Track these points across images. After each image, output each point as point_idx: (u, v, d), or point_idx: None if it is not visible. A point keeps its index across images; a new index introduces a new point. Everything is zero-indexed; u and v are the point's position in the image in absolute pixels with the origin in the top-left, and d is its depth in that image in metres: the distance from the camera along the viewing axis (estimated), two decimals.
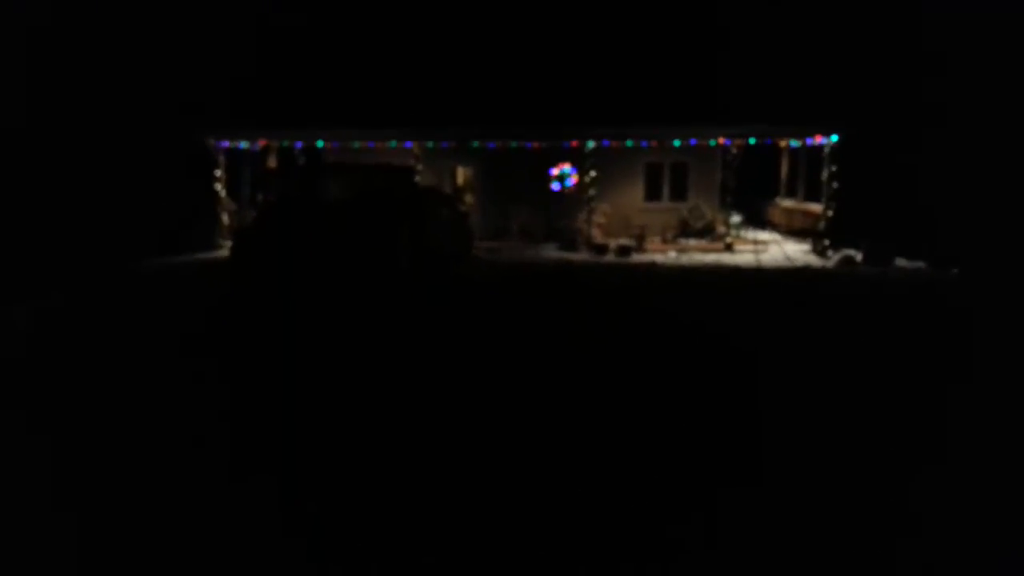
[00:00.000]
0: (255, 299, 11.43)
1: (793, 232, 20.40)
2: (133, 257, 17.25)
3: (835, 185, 17.40)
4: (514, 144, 18.47)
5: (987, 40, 18.13)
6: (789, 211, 21.01)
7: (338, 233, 12.22)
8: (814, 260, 16.29)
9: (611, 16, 20.47)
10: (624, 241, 17.85)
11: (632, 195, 20.38)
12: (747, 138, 17.76)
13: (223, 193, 19.16)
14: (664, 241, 19.14)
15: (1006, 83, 17.49)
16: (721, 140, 17.98)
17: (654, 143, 18.47)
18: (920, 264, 15.36)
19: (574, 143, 18.29)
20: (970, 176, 16.72)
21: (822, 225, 17.56)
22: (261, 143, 19.83)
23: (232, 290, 12.24)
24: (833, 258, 15.98)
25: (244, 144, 19.71)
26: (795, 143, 19.56)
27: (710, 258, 16.95)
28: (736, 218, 19.96)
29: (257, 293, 11.71)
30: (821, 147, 18.00)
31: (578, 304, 10.83)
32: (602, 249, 17.49)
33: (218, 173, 19.01)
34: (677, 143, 18.42)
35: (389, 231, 12.47)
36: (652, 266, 15.35)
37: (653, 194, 20.48)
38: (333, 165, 18.85)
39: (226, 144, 19.04)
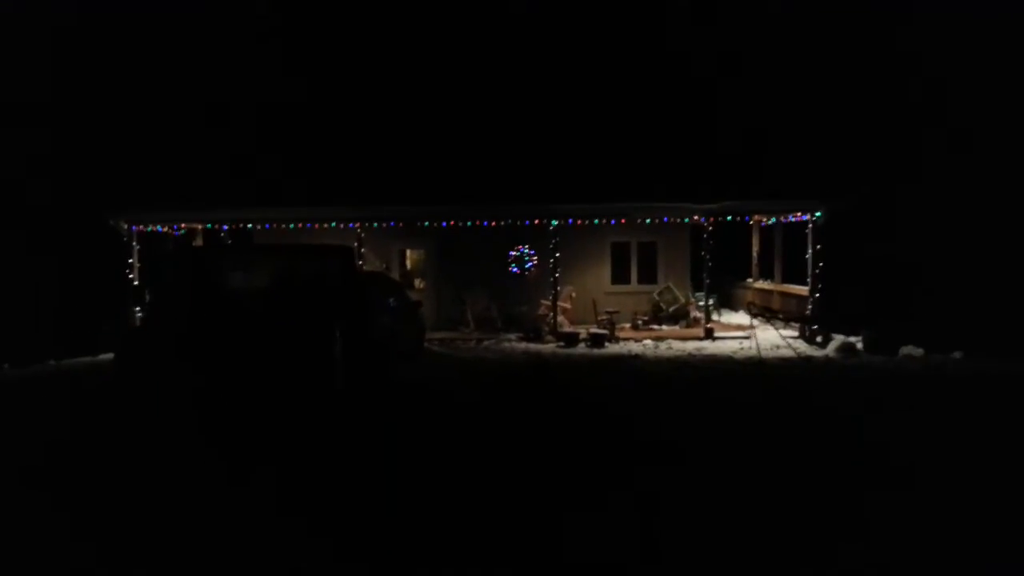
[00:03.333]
0: (140, 425, 8.69)
1: (768, 315, 18.89)
2: (23, 359, 14.65)
3: (821, 265, 16.02)
4: (469, 223, 16.61)
5: (982, 103, 17.35)
6: (765, 293, 19.55)
7: (252, 338, 9.23)
8: (805, 348, 14.67)
9: (574, 86, 19.15)
10: (596, 329, 15.95)
11: (598, 277, 18.70)
12: (726, 215, 16.28)
13: (137, 283, 16.66)
14: (635, 327, 17.38)
15: (1002, 150, 16.62)
16: (697, 217, 16.45)
17: (623, 220, 16.85)
18: (919, 351, 13.86)
19: (536, 221, 16.54)
20: (967, 251, 15.51)
21: (809, 309, 16.06)
22: (181, 226, 17.54)
23: (115, 409, 9.48)
24: (829, 346, 14.35)
25: (162, 227, 17.40)
26: (772, 220, 18.25)
27: (690, 346, 15.18)
28: (710, 301, 18.37)
29: (143, 419, 8.90)
30: (802, 224, 16.71)
31: (571, 423, 8.70)
32: (572, 338, 15.55)
33: (131, 261, 16.58)
34: (648, 221, 16.89)
35: (320, 333, 9.36)
36: (635, 359, 13.43)
37: (620, 276, 18.86)
38: (245, 246, 16.55)
39: (137, 228, 16.65)
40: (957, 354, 13.24)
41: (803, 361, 12.96)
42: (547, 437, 7.78)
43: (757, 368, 12.24)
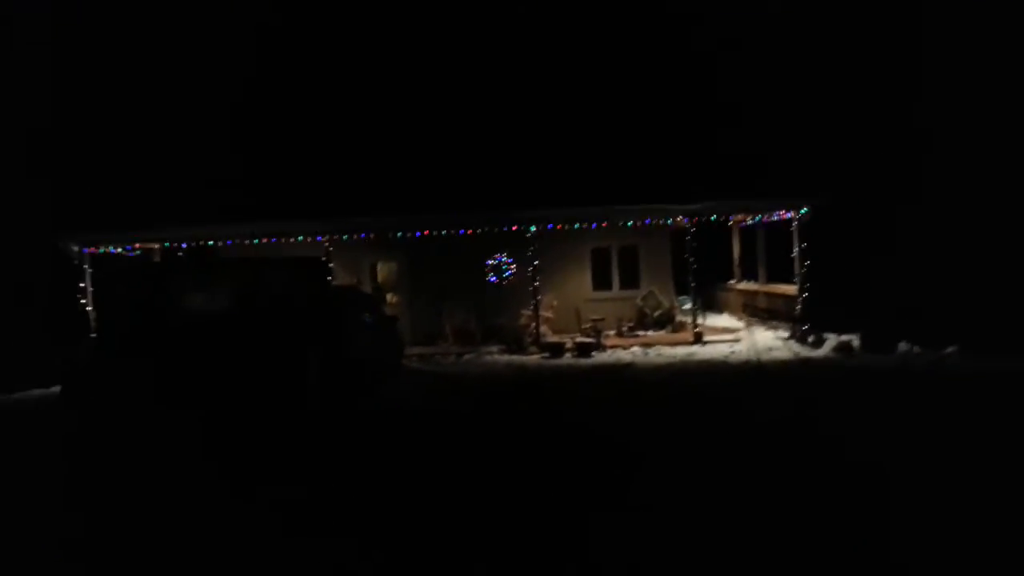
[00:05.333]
0: (91, 456, 7.70)
1: (755, 316, 18.39)
2: None
3: (808, 263, 15.54)
4: (443, 233, 15.83)
5: (971, 100, 17.02)
6: (750, 294, 19.05)
7: (213, 364, 8.44)
8: (800, 349, 14.14)
9: (548, 90, 18.50)
10: (581, 338, 15.28)
11: (579, 284, 18.04)
12: (709, 215, 15.73)
13: (89, 309, 15.60)
14: (620, 334, 16.75)
15: (994, 142, 16.29)
16: (679, 219, 15.87)
17: (603, 224, 16.22)
18: (916, 348, 13.37)
19: (514, 228, 15.80)
20: (956, 245, 15.10)
21: (798, 308, 15.56)
22: (136, 246, 16.52)
23: (58, 446, 8.39)
24: (824, 346, 13.84)
25: (116, 248, 16.36)
26: (754, 220, 17.73)
27: (681, 351, 14.54)
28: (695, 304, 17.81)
29: (94, 449, 7.88)
30: (784, 223, 16.24)
31: (575, 450, 7.93)
32: (557, 349, 14.84)
33: (83, 285, 15.51)
34: (630, 224, 16.31)
35: (293, 351, 8.67)
36: (627, 368, 12.76)
37: (602, 282, 18.22)
38: (205, 262, 15.62)
39: (89, 250, 15.60)
40: (951, 349, 12.81)
41: (802, 363, 12.40)
42: (554, 471, 6.96)
43: (757, 372, 11.63)
